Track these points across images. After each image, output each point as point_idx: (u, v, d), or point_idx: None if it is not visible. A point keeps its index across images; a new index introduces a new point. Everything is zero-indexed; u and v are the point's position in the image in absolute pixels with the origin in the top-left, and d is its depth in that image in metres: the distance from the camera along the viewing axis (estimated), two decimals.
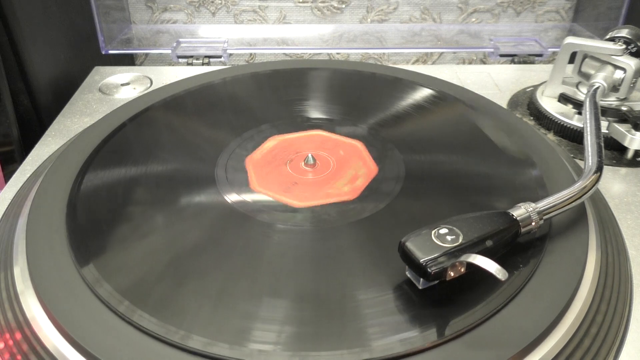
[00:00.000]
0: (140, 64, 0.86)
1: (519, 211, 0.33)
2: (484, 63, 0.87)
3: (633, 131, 0.47)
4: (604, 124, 0.48)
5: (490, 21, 0.82)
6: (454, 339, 0.29)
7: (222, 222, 0.37)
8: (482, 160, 0.43)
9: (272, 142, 0.46)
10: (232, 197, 0.39)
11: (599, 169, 0.38)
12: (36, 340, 0.30)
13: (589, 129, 0.42)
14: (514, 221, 0.32)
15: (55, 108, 0.60)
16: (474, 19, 0.82)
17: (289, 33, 0.80)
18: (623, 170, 0.48)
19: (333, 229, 0.37)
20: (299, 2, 0.80)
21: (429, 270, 0.29)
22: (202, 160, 0.43)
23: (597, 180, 0.37)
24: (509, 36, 0.77)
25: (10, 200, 0.44)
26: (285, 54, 0.85)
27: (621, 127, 0.48)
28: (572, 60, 0.55)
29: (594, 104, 0.46)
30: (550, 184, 0.39)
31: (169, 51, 0.71)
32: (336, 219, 0.37)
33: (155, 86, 0.62)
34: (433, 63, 0.87)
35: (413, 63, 0.87)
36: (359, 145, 0.46)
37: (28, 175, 0.47)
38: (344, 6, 0.81)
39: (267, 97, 0.54)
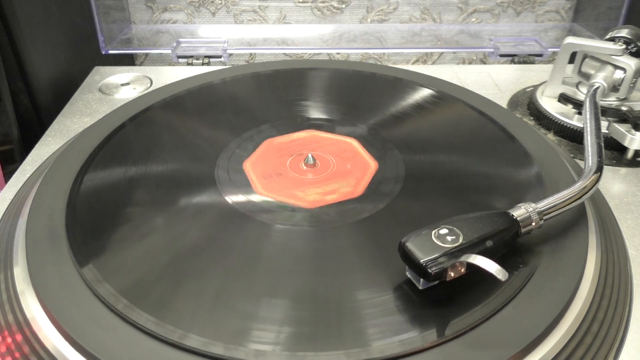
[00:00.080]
0: (140, 64, 0.86)
1: (519, 211, 0.33)
2: (484, 63, 0.87)
3: (633, 131, 0.47)
4: (604, 124, 0.48)
5: (490, 21, 0.82)
6: (454, 339, 0.29)
7: (222, 222, 0.37)
8: (482, 160, 0.43)
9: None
10: (231, 197, 0.39)
11: (599, 169, 0.38)
12: (36, 341, 0.30)
13: (589, 129, 0.42)
14: (514, 221, 0.32)
15: (55, 108, 0.60)
16: (474, 19, 0.82)
17: (289, 33, 0.80)
18: (623, 170, 0.48)
19: (333, 229, 0.37)
20: (299, 2, 0.80)
21: (429, 270, 0.29)
22: (202, 160, 0.43)
23: (597, 180, 0.37)
24: (509, 36, 0.77)
25: (10, 200, 0.44)
26: (285, 54, 0.85)
27: (621, 127, 0.48)
28: (572, 60, 0.55)
29: (594, 104, 0.46)
30: (550, 184, 0.39)
31: (169, 51, 0.71)
32: (336, 219, 0.37)
33: (155, 86, 0.62)
34: (433, 63, 0.87)
35: (413, 63, 0.87)
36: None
37: (28, 175, 0.47)
38: (344, 6, 0.81)
39: (267, 97, 0.54)
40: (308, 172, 0.42)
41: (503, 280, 0.28)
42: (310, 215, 0.38)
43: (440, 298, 0.31)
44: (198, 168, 0.43)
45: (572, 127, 0.52)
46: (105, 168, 0.42)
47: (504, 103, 0.59)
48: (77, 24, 0.71)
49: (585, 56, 0.54)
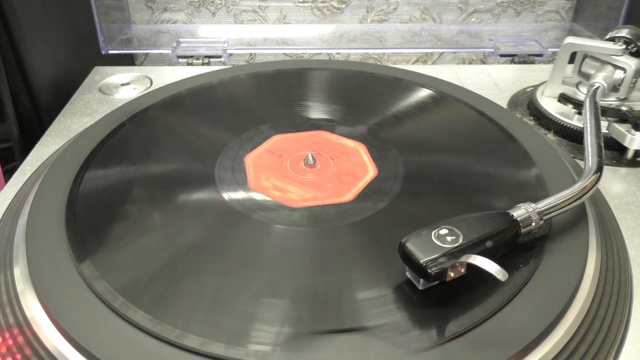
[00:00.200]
0: (140, 64, 0.86)
1: (519, 211, 0.33)
2: (484, 63, 0.87)
3: (633, 131, 0.47)
4: (604, 124, 0.48)
5: (490, 21, 0.82)
6: (454, 339, 0.28)
7: (221, 221, 0.37)
8: (482, 161, 0.43)
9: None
10: (231, 197, 0.39)
11: (599, 169, 0.38)
12: (36, 340, 0.30)
13: (589, 129, 0.42)
14: (514, 221, 0.32)
15: (55, 108, 0.60)
16: (474, 19, 0.82)
17: (289, 33, 0.80)
18: (623, 170, 0.48)
19: (332, 229, 0.37)
20: (299, 2, 0.80)
21: (429, 270, 0.29)
22: (202, 160, 0.43)
23: (597, 180, 0.37)
24: (509, 36, 0.77)
25: (10, 200, 0.44)
26: (285, 54, 0.85)
27: (621, 127, 0.48)
28: (572, 60, 0.55)
29: (594, 104, 0.46)
30: (550, 184, 0.39)
31: (169, 51, 0.71)
32: (335, 219, 0.37)
33: (155, 86, 0.62)
34: (433, 63, 0.87)
35: (413, 63, 0.87)
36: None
37: (28, 175, 0.47)
38: (344, 6, 0.81)
39: (267, 97, 0.54)
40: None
41: (503, 280, 0.28)
42: (310, 215, 0.38)
43: (440, 298, 0.31)
44: (197, 167, 0.43)
45: (572, 127, 0.52)
46: (105, 168, 0.42)
47: (504, 103, 0.59)
48: (77, 24, 0.71)
49: (585, 56, 0.54)
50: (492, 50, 0.73)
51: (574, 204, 0.35)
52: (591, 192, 0.36)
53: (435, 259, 0.29)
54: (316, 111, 0.51)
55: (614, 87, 0.52)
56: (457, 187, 0.41)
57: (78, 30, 0.71)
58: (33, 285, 0.32)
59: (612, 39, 0.53)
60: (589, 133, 0.42)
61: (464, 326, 0.29)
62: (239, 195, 0.40)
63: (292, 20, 0.82)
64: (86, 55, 0.73)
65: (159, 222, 0.37)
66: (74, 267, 0.33)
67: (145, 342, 0.29)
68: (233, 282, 0.32)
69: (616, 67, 0.51)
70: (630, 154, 0.49)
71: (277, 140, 0.46)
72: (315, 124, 0.49)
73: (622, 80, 0.51)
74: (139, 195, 0.40)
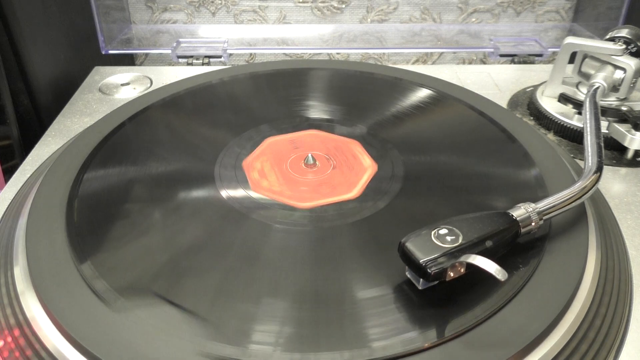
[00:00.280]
0: (140, 64, 0.86)
1: (519, 211, 0.33)
2: (484, 63, 0.87)
3: (633, 131, 0.47)
4: (604, 124, 0.48)
5: (490, 21, 0.82)
6: (454, 338, 0.29)
7: (221, 221, 0.37)
8: (482, 161, 0.43)
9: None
10: (231, 197, 0.39)
11: (599, 169, 0.38)
12: (36, 340, 0.30)
13: (589, 129, 0.42)
14: (513, 221, 0.32)
15: (55, 108, 0.60)
16: (474, 19, 0.82)
17: (289, 33, 0.80)
18: (623, 170, 0.48)
19: (332, 229, 0.37)
20: (299, 2, 0.80)
21: (428, 270, 0.29)
22: (202, 159, 0.43)
23: (597, 180, 0.37)
24: (509, 36, 0.77)
25: (10, 200, 0.44)
26: (285, 54, 0.85)
27: (621, 127, 0.48)
28: (572, 60, 0.55)
29: (594, 104, 0.46)
30: (550, 184, 0.39)
31: (169, 51, 0.71)
32: (336, 219, 0.37)
33: (155, 86, 0.62)
34: (433, 63, 0.87)
35: (413, 63, 0.87)
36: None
37: (28, 175, 0.47)
38: (344, 6, 0.81)
39: (267, 97, 0.54)
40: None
41: (502, 280, 0.28)
42: (310, 215, 0.38)
43: (440, 298, 0.31)
44: (197, 167, 0.43)
45: (572, 127, 0.52)
46: (105, 168, 0.42)
47: (504, 103, 0.59)
48: (77, 24, 0.71)
49: (585, 56, 0.54)
50: (492, 50, 0.73)
51: (573, 204, 0.35)
52: (591, 192, 0.36)
53: (435, 258, 0.29)
54: (316, 111, 0.51)
55: (614, 87, 0.52)
56: (457, 187, 0.41)
57: (78, 30, 0.71)
58: (33, 285, 0.32)
59: (612, 39, 0.53)
60: (588, 133, 0.42)
61: (463, 326, 0.29)
62: (239, 194, 0.40)
63: (292, 20, 0.82)
64: (86, 55, 0.73)
65: (159, 221, 0.37)
66: (74, 267, 0.33)
67: (145, 341, 0.28)
68: (233, 282, 0.32)
69: (616, 67, 0.51)
70: (630, 154, 0.49)
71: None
72: (315, 124, 0.49)
73: (622, 80, 0.51)
74: (139, 195, 0.40)
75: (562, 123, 0.52)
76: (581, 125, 0.51)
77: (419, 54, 0.86)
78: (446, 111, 0.50)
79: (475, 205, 0.39)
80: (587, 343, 0.31)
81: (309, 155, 0.43)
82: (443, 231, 0.31)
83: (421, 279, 0.30)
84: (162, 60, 0.86)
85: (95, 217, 0.37)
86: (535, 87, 0.59)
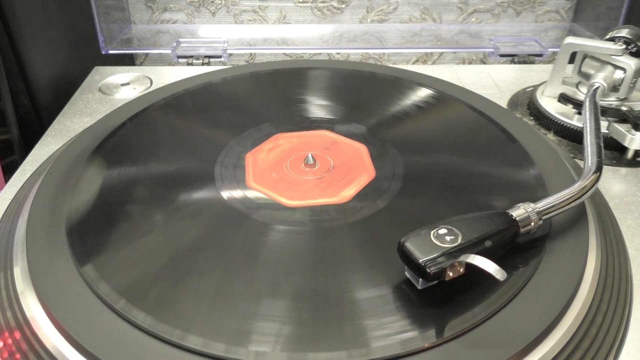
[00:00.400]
0: (140, 64, 0.86)
1: (518, 211, 0.33)
2: (484, 63, 0.87)
3: (633, 131, 0.47)
4: (604, 124, 0.48)
5: (490, 21, 0.82)
6: (454, 339, 0.29)
7: (221, 221, 0.37)
8: (481, 160, 0.43)
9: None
10: (231, 197, 0.39)
11: (599, 169, 0.38)
12: (36, 340, 0.30)
13: (588, 129, 0.42)
14: (513, 221, 0.32)
15: (55, 108, 0.60)
16: (474, 19, 0.82)
17: (289, 33, 0.80)
18: (623, 170, 0.48)
19: (332, 229, 0.37)
20: (299, 2, 0.80)
21: (428, 270, 0.29)
22: (202, 159, 0.43)
23: (597, 180, 0.37)
24: (509, 36, 0.77)
25: (10, 200, 0.44)
26: (285, 54, 0.85)
27: (621, 127, 0.48)
28: (572, 60, 0.55)
29: (594, 104, 0.46)
30: (550, 184, 0.39)
31: (169, 51, 0.71)
32: (335, 219, 0.37)
33: (155, 86, 0.62)
34: (433, 63, 0.87)
35: (413, 63, 0.87)
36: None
37: (28, 175, 0.47)
38: (344, 6, 0.81)
39: (267, 97, 0.54)
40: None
41: (502, 280, 0.28)
42: (310, 215, 0.38)
43: (440, 298, 0.31)
44: (198, 167, 0.43)
45: (572, 127, 0.52)
46: (105, 168, 0.42)
47: (504, 103, 0.59)
48: (77, 24, 0.71)
49: (585, 56, 0.54)
50: (492, 50, 0.73)
51: (573, 204, 0.35)
52: (590, 192, 0.36)
53: (434, 258, 0.29)
54: (316, 111, 0.51)
55: (614, 87, 0.52)
56: (456, 186, 0.41)
57: (78, 30, 0.71)
58: (33, 285, 0.32)
59: (612, 39, 0.53)
60: (588, 133, 0.42)
61: (463, 326, 0.29)
62: (239, 194, 0.40)
63: (292, 20, 0.82)
64: (86, 55, 0.73)
65: (159, 222, 0.37)
66: (73, 267, 0.33)
67: (145, 342, 0.29)
68: (234, 282, 0.32)
69: (616, 67, 0.51)
70: (630, 154, 0.49)
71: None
72: (315, 124, 0.49)
73: (622, 80, 0.51)
74: (139, 196, 0.40)
75: (562, 123, 0.52)
76: (581, 125, 0.51)
77: (419, 54, 0.86)
78: (446, 111, 0.50)
79: (474, 205, 0.39)
80: (587, 343, 0.31)
81: (309, 155, 0.43)
82: (442, 231, 0.31)
83: (420, 279, 0.30)
84: (162, 60, 0.86)
85: (95, 217, 0.37)
86: (535, 87, 0.59)
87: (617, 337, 0.32)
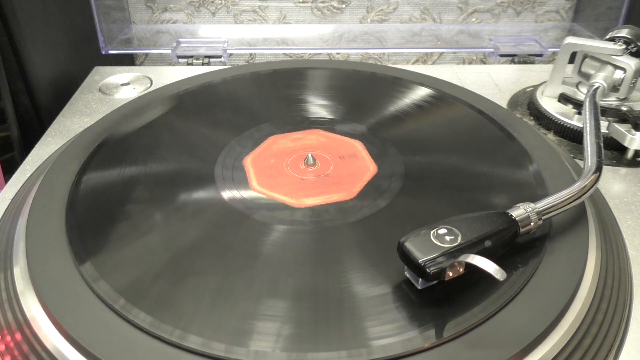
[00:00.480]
0: (140, 64, 0.86)
1: (518, 211, 0.33)
2: (484, 63, 0.87)
3: (633, 131, 0.47)
4: (604, 124, 0.48)
5: (490, 21, 0.82)
6: (454, 339, 0.28)
7: (221, 221, 0.37)
8: (481, 160, 0.43)
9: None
10: (231, 197, 0.39)
11: (599, 169, 0.38)
12: (36, 340, 0.30)
13: (588, 129, 0.42)
14: (512, 221, 0.32)
15: (55, 108, 0.60)
16: (474, 19, 0.82)
17: (289, 33, 0.80)
18: (623, 170, 0.48)
19: (332, 229, 0.37)
20: (299, 2, 0.80)
21: (427, 270, 0.29)
22: (202, 159, 0.43)
23: (597, 180, 0.37)
24: (509, 36, 0.77)
25: (10, 200, 0.44)
26: (285, 54, 0.85)
27: (621, 127, 0.48)
28: (572, 60, 0.55)
29: (594, 104, 0.46)
30: (550, 184, 0.39)
31: (169, 51, 0.71)
32: (335, 219, 0.37)
33: (155, 86, 0.62)
34: (433, 63, 0.87)
35: (413, 63, 0.87)
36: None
37: (28, 175, 0.47)
38: (344, 6, 0.81)
39: (267, 97, 0.54)
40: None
41: (501, 280, 0.28)
42: (310, 215, 0.38)
43: (440, 298, 0.31)
44: (198, 167, 0.43)
45: (572, 127, 0.52)
46: (105, 168, 0.42)
47: (504, 103, 0.59)
48: (77, 24, 0.71)
49: (585, 56, 0.54)
50: (492, 50, 0.73)
51: (573, 204, 0.35)
52: (590, 191, 0.36)
53: (434, 258, 0.29)
54: (316, 111, 0.51)
55: (614, 87, 0.52)
56: (456, 186, 0.41)
57: (78, 30, 0.71)
58: (33, 285, 0.32)
59: (612, 39, 0.53)
60: (588, 133, 0.42)
61: (463, 326, 0.29)
62: (240, 194, 0.40)
63: (292, 20, 0.82)
64: (86, 55, 0.73)
65: (159, 221, 0.37)
66: (74, 267, 0.33)
67: (145, 342, 0.29)
68: (234, 282, 0.32)
69: (616, 67, 0.51)
70: (630, 154, 0.49)
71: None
72: (315, 124, 0.49)
73: (622, 80, 0.51)
74: (139, 196, 0.40)
75: (562, 123, 0.52)
76: (581, 125, 0.51)
77: (419, 54, 0.86)
78: (446, 111, 0.50)
79: (474, 204, 0.39)
80: (587, 343, 0.31)
81: (309, 154, 0.43)
82: (442, 231, 0.31)
83: (420, 279, 0.30)
84: (162, 60, 0.86)
85: (95, 217, 0.37)
86: (535, 87, 0.59)
87: (617, 336, 0.32)
